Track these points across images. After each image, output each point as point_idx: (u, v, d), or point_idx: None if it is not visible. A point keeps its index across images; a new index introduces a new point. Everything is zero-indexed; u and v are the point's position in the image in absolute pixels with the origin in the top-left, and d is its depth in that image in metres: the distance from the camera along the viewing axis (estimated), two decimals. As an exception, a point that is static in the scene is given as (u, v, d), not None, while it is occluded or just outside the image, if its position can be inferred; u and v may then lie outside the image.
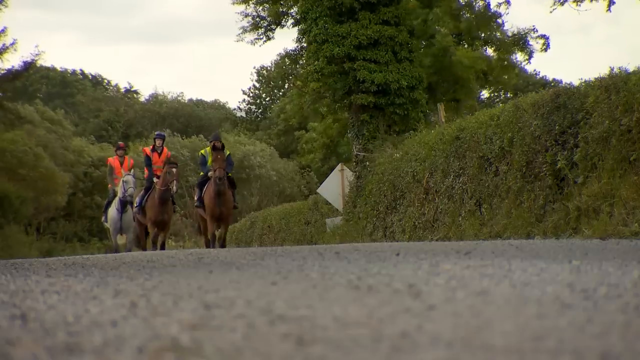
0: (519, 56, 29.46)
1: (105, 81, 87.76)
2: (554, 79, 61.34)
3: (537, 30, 28.65)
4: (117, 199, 21.84)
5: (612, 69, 11.64)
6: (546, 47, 28.20)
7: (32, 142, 49.76)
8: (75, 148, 54.88)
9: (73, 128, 61.49)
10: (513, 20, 36.24)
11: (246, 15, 27.69)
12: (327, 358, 2.10)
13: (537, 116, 12.87)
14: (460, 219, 15.35)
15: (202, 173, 19.94)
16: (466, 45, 29.23)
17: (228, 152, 19.57)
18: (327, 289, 3.81)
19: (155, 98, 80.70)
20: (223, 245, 19.47)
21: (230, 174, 19.53)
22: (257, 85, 76.03)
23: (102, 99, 79.78)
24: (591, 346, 2.16)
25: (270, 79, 73.82)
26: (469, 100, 28.01)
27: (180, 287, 4.24)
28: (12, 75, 40.67)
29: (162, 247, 20.86)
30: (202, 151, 20.02)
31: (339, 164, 24.86)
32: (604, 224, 10.44)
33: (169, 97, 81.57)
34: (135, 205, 21.35)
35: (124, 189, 21.47)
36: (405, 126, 22.79)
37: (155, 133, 22.27)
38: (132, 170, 22.13)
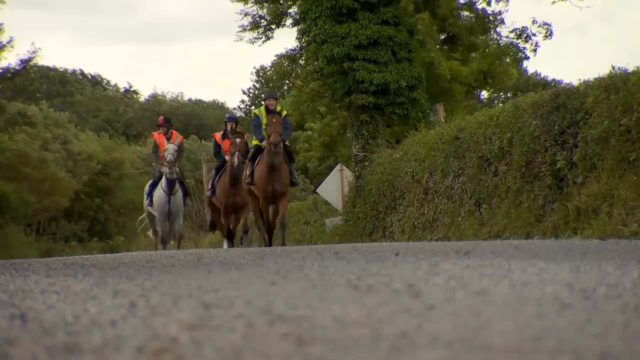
0: (526, 47, 29.32)
1: (105, 81, 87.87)
2: (553, 79, 61.36)
3: (536, 21, 28.57)
4: (164, 179, 18.79)
5: (613, 68, 11.65)
6: (549, 34, 28.04)
7: (35, 143, 49.69)
8: (82, 151, 54.79)
9: (75, 130, 61.45)
10: (511, 19, 36.32)
11: (246, 15, 27.70)
12: (326, 358, 2.10)
13: (537, 116, 12.88)
14: (459, 219, 15.35)
15: (254, 143, 16.70)
16: (460, 49, 29.20)
17: (285, 113, 16.67)
18: (327, 289, 3.81)
19: (154, 98, 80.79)
20: (282, 232, 16.49)
21: (287, 143, 16.61)
22: (257, 85, 76.08)
23: (101, 99, 79.84)
24: (591, 346, 2.16)
25: (269, 79, 73.85)
26: (457, 109, 27.98)
27: (180, 287, 4.24)
28: (10, 73, 40.67)
29: (245, 234, 18.31)
30: (256, 111, 16.76)
31: (339, 164, 24.87)
32: (604, 224, 10.44)
33: (168, 97, 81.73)
34: (208, 187, 18.76)
35: (165, 157, 18.44)
36: (405, 126, 22.80)
37: (227, 116, 19.23)
38: (178, 141, 19.15)
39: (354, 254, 7.09)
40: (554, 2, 24.00)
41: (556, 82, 56.47)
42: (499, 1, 28.48)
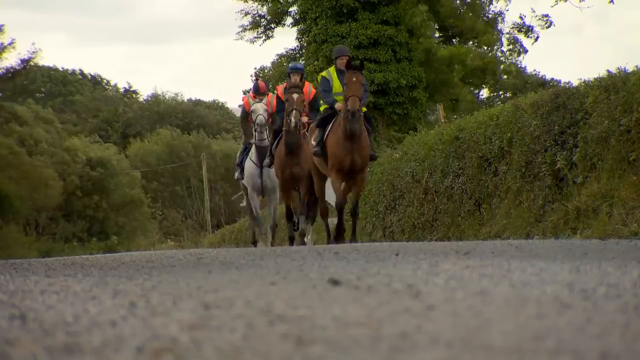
0: (525, 42, 29.33)
1: (105, 81, 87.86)
2: (552, 79, 61.39)
3: (535, 11, 28.65)
4: (253, 147, 15.63)
5: (616, 69, 11.65)
6: (549, 24, 27.98)
7: (12, 140, 49.40)
8: (69, 147, 54.66)
9: (70, 127, 61.35)
10: (511, 20, 36.50)
11: (246, 14, 27.73)
12: (326, 358, 2.10)
13: (537, 116, 12.88)
14: (459, 219, 15.35)
15: (324, 107, 13.71)
16: (458, 39, 29.20)
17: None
18: (327, 289, 3.81)
19: (154, 98, 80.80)
20: (354, 222, 14.29)
21: (365, 109, 13.43)
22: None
23: (101, 99, 79.81)
24: (591, 346, 2.16)
25: (269, 80, 73.88)
26: (459, 98, 27.95)
27: (180, 287, 4.24)
28: (10, 73, 40.69)
29: (302, 213, 15.27)
30: (324, 73, 13.77)
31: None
32: (603, 224, 10.44)
33: (167, 96, 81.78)
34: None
35: (254, 120, 15.19)
36: (405, 126, 22.83)
37: (290, 66, 15.53)
38: (264, 100, 15.75)
39: (353, 254, 7.09)
40: (555, 3, 23.98)
41: (554, 82, 56.48)
42: (499, 2, 28.54)
